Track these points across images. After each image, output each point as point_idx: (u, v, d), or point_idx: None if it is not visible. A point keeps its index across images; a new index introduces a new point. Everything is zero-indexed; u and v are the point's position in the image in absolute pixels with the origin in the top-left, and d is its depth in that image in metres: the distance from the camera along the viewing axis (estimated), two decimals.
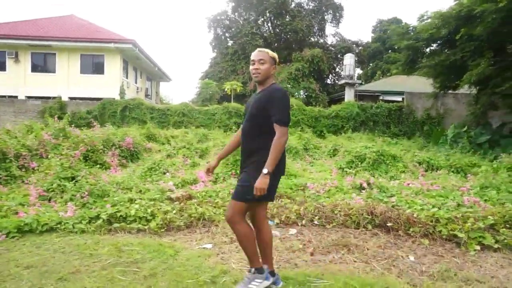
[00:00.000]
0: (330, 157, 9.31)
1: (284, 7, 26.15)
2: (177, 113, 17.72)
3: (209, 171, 2.86)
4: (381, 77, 33.77)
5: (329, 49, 28.99)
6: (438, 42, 14.21)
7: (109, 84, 19.43)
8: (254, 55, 2.55)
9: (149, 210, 4.20)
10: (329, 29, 68.38)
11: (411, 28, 14.63)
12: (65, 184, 4.97)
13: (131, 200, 4.57)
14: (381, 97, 21.97)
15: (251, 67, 2.58)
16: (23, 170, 6.32)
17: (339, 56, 29.24)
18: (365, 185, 5.27)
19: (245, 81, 25.66)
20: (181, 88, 72.74)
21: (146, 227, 3.98)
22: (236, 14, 29.33)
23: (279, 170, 2.48)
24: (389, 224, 3.97)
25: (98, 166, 7.03)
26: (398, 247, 3.59)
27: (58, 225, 3.90)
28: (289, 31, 25.94)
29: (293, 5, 28.61)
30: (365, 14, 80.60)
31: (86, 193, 4.70)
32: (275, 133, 2.40)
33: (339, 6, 29.54)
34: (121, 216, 4.10)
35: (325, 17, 30.11)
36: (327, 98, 25.60)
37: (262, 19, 27.99)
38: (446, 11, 11.91)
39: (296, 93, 24.39)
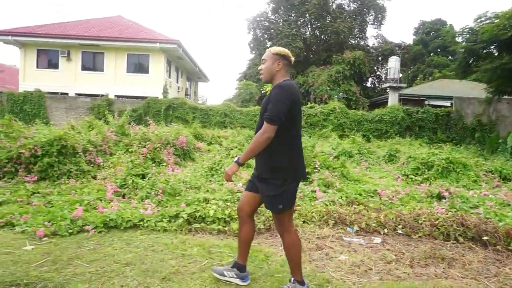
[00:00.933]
0: (385, 162, 8.98)
1: (325, 8, 25.76)
2: (219, 113, 17.84)
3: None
4: (423, 81, 32.62)
5: (370, 52, 28.28)
6: (495, 44, 13.47)
7: (153, 83, 19.89)
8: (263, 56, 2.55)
9: (226, 211, 4.15)
10: (370, 31, 66.76)
11: (467, 29, 13.94)
12: (137, 181, 5.03)
13: (205, 200, 4.54)
14: (426, 102, 21.18)
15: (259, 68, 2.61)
16: (90, 165, 6.48)
17: (379, 58, 28.48)
18: (445, 194, 4.97)
19: None
20: (215, 89, 73.72)
21: (226, 228, 3.92)
22: (276, 15, 29.22)
23: (298, 175, 2.43)
24: (485, 238, 3.70)
25: (155, 164, 7.12)
26: (503, 263, 3.32)
27: (141, 222, 3.92)
28: (330, 32, 25.50)
29: (334, 6, 28.16)
30: (405, 15, 78.01)
31: (160, 191, 4.71)
32: (285, 134, 2.35)
33: (382, 7, 28.74)
34: (200, 216, 4.07)
35: (366, 18, 29.40)
36: (367, 101, 24.95)
37: (303, 20, 27.72)
38: None
39: (336, 96, 23.94)
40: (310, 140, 11.09)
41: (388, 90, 20.96)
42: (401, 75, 37.34)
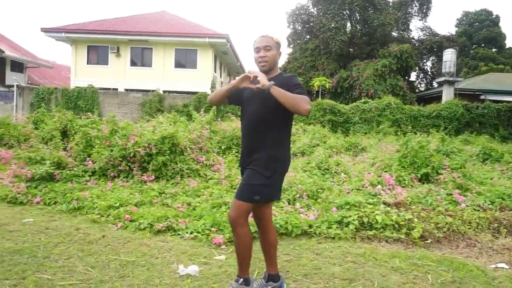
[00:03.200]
0: (480, 161, 8.46)
1: (371, 0, 24.93)
2: None
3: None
4: (468, 74, 31.31)
5: (414, 44, 27.29)
6: None
7: (201, 78, 19.77)
8: (259, 42, 2.29)
9: (393, 218, 3.83)
10: (413, 23, 63.68)
11: None
12: None
13: (353, 205, 4.23)
14: (482, 96, 20.19)
15: (255, 55, 2.32)
16: (197, 164, 6.30)
17: (424, 51, 27.49)
18: None
19: (326, 76, 24.94)
20: None
21: (402, 236, 3.60)
22: (316, 8, 28.60)
23: (285, 167, 2.32)
24: None
25: None
26: None
27: (310, 229, 3.66)
28: (376, 25, 24.69)
29: None
30: (446, 6, 74.45)
31: (305, 193, 4.44)
32: (283, 129, 2.30)
33: None
34: (368, 222, 3.77)
35: (410, 10, 28.36)
36: (415, 96, 24.12)
37: (346, 13, 26.97)
38: None
39: (381, 91, 23.23)
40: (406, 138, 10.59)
41: (434, 84, 20.14)
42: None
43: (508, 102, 18.10)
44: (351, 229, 3.66)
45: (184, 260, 2.95)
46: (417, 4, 28.24)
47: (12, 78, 19.16)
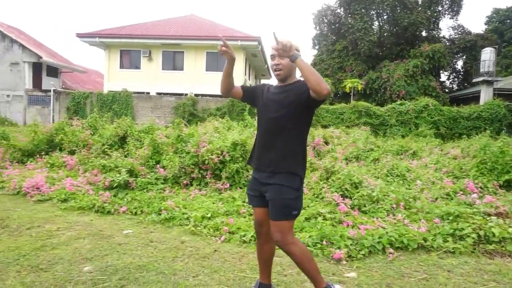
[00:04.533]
0: None
1: None
2: None
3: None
4: (500, 73, 30.35)
5: (445, 43, 26.61)
6: None
7: None
8: (274, 48, 2.05)
9: (509, 230, 3.61)
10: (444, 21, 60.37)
11: None
12: (363, 192, 4.59)
13: (458, 216, 4.01)
14: None
15: (271, 62, 2.24)
16: None
17: (455, 50, 26.77)
18: None
19: (354, 78, 24.58)
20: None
21: None
22: (342, 9, 28.26)
23: (305, 173, 2.23)
24: None
25: None
26: None
27: (424, 242, 3.47)
28: (407, 25, 24.18)
29: None
30: (474, 3, 71.62)
31: (401, 203, 4.25)
32: (301, 134, 2.19)
33: None
34: (486, 235, 3.56)
35: (440, 8, 27.67)
36: (447, 97, 23.50)
37: (376, 12, 26.54)
38: None
39: (413, 92, 22.73)
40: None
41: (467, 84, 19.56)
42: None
43: None
44: (469, 243, 3.45)
45: None
46: (447, 2, 27.52)
47: (49, 83, 19.53)
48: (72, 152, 7.70)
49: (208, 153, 5.57)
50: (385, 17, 27.21)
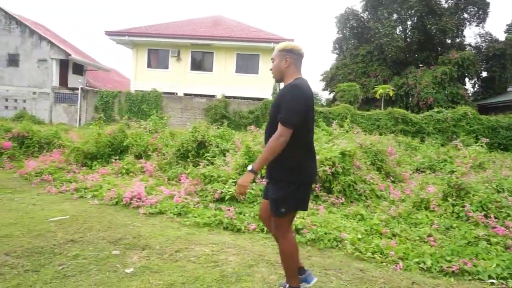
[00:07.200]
0: None
1: (430, 4, 24.10)
2: (340, 116, 16.95)
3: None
4: None
5: (470, 50, 26.33)
6: None
7: (262, 84, 19.35)
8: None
9: None
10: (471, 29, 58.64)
11: None
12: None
13: None
14: None
15: None
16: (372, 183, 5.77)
17: (482, 58, 26.48)
18: None
19: (378, 83, 24.26)
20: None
21: None
22: (366, 13, 27.97)
23: (300, 178, 2.25)
24: None
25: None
26: None
27: None
28: (436, 31, 23.86)
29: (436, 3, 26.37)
30: (494, 11, 70.31)
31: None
32: (298, 139, 2.18)
33: (484, 2, 26.59)
34: None
35: (465, 15, 27.39)
36: (475, 105, 23.18)
37: (403, 17, 26.23)
38: None
39: (441, 100, 22.41)
40: None
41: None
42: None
43: None
44: None
45: None
46: (473, 9, 27.25)
47: (76, 81, 19.10)
48: (138, 156, 7.30)
49: (319, 164, 5.16)
50: (410, 22, 26.93)
